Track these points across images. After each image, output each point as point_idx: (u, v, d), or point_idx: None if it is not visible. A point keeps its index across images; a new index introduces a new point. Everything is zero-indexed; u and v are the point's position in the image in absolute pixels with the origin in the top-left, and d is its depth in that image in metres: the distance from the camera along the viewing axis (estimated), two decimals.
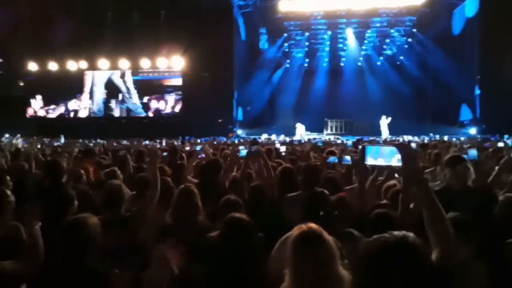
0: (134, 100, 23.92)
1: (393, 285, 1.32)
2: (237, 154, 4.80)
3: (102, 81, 23.89)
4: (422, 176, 1.76)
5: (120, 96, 24.04)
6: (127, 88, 23.88)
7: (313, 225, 2.01)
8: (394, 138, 16.19)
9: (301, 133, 21.24)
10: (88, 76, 23.91)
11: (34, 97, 24.16)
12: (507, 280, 2.52)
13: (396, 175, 3.72)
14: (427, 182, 1.76)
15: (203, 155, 5.71)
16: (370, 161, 2.37)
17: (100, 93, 24.09)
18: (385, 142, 5.74)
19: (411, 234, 1.39)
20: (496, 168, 4.15)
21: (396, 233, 1.39)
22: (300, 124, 21.73)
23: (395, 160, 2.17)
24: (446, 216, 1.65)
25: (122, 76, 23.75)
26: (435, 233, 1.63)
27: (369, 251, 1.39)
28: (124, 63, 23.21)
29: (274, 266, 2.53)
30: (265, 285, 2.41)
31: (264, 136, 18.61)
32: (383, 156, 2.29)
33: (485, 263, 2.42)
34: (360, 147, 9.26)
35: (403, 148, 1.82)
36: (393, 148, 2.13)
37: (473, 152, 4.62)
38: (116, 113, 24.20)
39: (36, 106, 24.28)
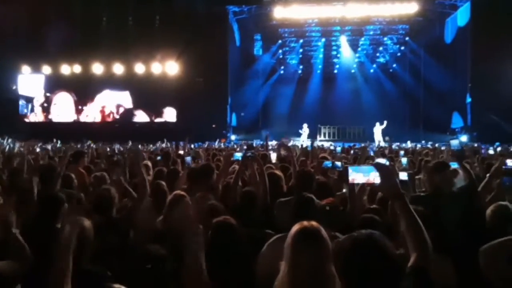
0: None
1: (363, 274, 1.55)
2: (230, 158, 4.85)
3: None
4: (400, 192, 1.87)
5: None
6: None
7: (313, 223, 2.09)
8: (387, 145, 16.31)
9: (305, 137, 21.44)
10: None
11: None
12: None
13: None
14: (405, 196, 1.88)
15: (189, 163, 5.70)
16: (351, 179, 2.57)
17: None
18: (365, 162, 6.06)
19: (377, 232, 1.67)
20: (487, 175, 4.21)
21: (364, 231, 1.66)
22: (306, 127, 21.88)
23: (374, 177, 2.38)
24: (422, 225, 1.81)
25: None
26: (413, 240, 1.81)
27: (342, 247, 1.64)
28: (118, 67, 23.17)
29: (263, 267, 2.58)
30: (254, 286, 2.46)
31: (256, 142, 18.69)
32: (363, 173, 2.51)
33: (450, 257, 2.56)
34: (352, 152, 9.37)
35: (380, 167, 1.95)
36: (371, 167, 2.32)
37: (455, 142, 4.75)
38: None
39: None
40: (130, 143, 14.19)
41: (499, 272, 2.56)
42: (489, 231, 2.94)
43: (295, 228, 2.07)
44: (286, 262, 1.99)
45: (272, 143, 17.19)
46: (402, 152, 9.18)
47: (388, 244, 1.62)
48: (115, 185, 3.90)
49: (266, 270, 2.43)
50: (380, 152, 9.13)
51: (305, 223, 2.09)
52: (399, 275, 1.63)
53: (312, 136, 22.54)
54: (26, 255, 2.49)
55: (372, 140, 19.95)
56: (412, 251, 1.79)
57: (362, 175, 2.57)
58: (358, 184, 3.15)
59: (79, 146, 12.25)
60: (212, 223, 2.71)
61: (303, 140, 20.29)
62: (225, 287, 2.43)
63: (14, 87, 24.36)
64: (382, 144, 18.07)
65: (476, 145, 13.89)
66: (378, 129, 20.66)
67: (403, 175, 4.28)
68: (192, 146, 13.98)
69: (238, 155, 4.87)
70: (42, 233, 2.62)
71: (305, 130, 21.94)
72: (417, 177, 5.16)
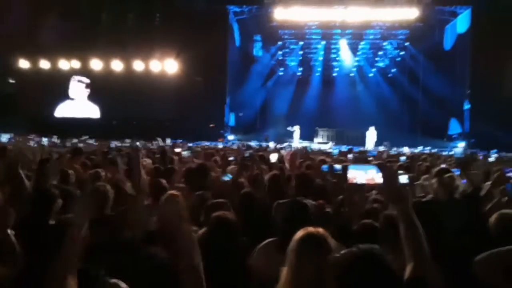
0: None
1: None
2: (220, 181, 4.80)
3: None
4: (404, 195, 1.79)
5: None
6: None
7: (320, 229, 2.04)
8: (382, 149, 16.32)
9: (296, 138, 21.38)
10: None
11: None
12: None
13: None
14: (407, 200, 1.79)
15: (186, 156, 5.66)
16: (351, 177, 2.55)
17: None
18: (368, 162, 6.02)
19: (376, 247, 1.61)
20: (488, 183, 4.16)
21: (363, 246, 1.61)
22: (298, 129, 21.78)
23: (374, 176, 2.33)
24: (422, 233, 1.73)
25: None
26: (411, 248, 1.71)
27: (340, 262, 1.59)
28: (117, 64, 23.05)
29: (256, 269, 2.53)
30: (249, 284, 2.42)
31: (253, 143, 18.65)
32: (364, 171, 2.47)
33: (439, 265, 2.51)
34: (350, 156, 9.34)
35: (383, 168, 1.90)
36: (374, 167, 2.28)
37: (459, 150, 4.75)
38: None
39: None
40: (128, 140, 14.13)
41: (494, 283, 2.52)
42: (492, 239, 2.89)
43: (300, 233, 2.01)
44: (289, 268, 1.93)
45: (270, 144, 17.18)
46: (403, 158, 9.07)
47: (389, 261, 1.57)
48: (110, 183, 3.84)
49: (256, 273, 2.38)
50: (381, 156, 9.10)
51: (311, 229, 2.03)
52: None
53: (309, 138, 22.53)
54: (16, 259, 2.42)
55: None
56: (409, 259, 1.71)
57: (363, 172, 2.54)
58: (357, 183, 3.06)
59: (75, 141, 12.17)
60: (211, 217, 2.70)
61: (296, 141, 20.32)
62: (222, 281, 2.38)
63: (12, 81, 24.21)
64: (371, 147, 18.20)
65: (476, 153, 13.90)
66: (372, 133, 20.67)
67: (404, 178, 4.21)
68: (190, 145, 13.93)
69: (227, 178, 4.70)
70: (35, 230, 2.56)
71: (296, 131, 21.77)
72: (416, 183, 5.13)
